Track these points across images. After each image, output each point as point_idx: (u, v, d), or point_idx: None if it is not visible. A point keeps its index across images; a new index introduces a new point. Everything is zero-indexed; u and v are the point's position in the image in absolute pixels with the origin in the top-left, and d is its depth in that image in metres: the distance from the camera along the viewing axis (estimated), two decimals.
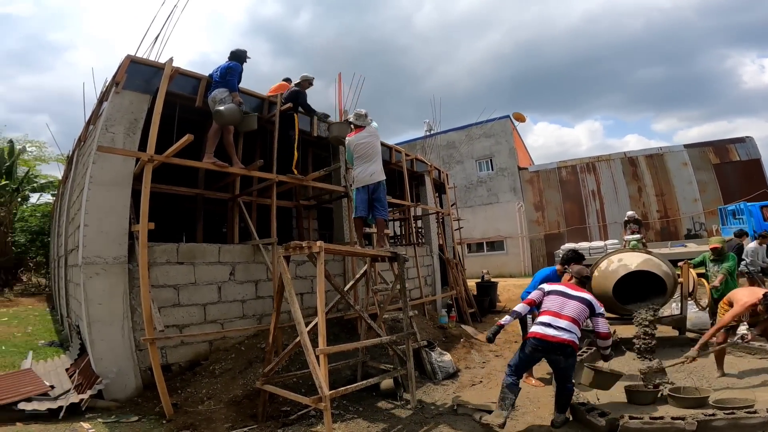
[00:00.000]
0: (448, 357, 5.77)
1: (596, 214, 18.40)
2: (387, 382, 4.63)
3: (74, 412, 3.86)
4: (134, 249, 4.51)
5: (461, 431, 3.78)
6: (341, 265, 6.80)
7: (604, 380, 3.99)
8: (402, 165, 8.92)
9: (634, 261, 5.89)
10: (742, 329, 4.63)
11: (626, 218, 11.03)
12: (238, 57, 5.57)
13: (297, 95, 6.15)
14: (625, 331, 6.08)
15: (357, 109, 5.48)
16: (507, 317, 3.76)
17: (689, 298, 6.23)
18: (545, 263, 16.68)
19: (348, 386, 3.85)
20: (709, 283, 6.30)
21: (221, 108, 5.09)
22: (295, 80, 6.50)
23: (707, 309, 6.43)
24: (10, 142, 16.15)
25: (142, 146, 4.66)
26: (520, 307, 3.78)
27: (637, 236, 10.07)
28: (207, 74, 5.56)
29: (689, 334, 6.08)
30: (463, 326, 8.62)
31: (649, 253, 6.33)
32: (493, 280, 12.55)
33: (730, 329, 4.63)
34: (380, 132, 5.49)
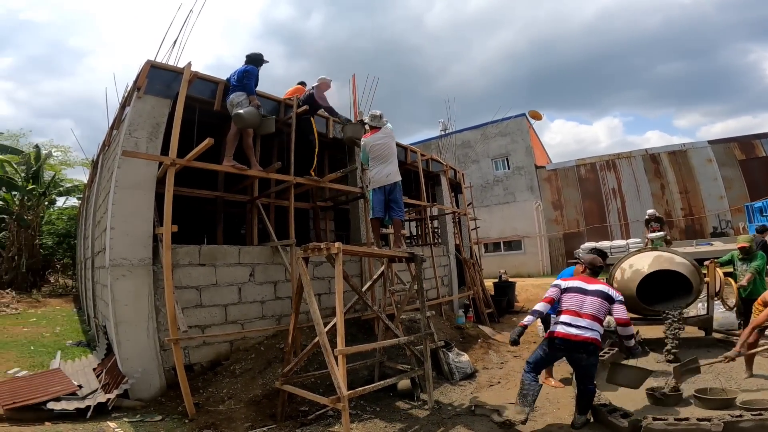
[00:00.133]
0: (465, 357, 5.74)
1: (617, 212, 18.03)
2: (404, 383, 4.64)
3: (101, 412, 3.93)
4: (158, 251, 4.62)
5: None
6: (358, 265, 6.83)
7: (634, 376, 3.85)
8: (417, 165, 8.91)
9: (656, 261, 5.76)
10: None
11: (647, 216, 10.78)
12: (255, 60, 5.64)
13: (313, 99, 6.20)
14: (648, 332, 5.96)
15: (372, 111, 5.51)
16: (529, 317, 3.69)
17: (716, 298, 6.06)
18: (564, 263, 16.43)
19: (366, 386, 3.87)
20: (736, 283, 6.11)
21: (241, 111, 5.17)
22: (311, 83, 6.55)
23: (734, 309, 6.25)
24: (36, 147, 16.67)
25: (164, 150, 4.77)
26: (541, 306, 3.70)
27: (661, 234, 9.80)
28: (224, 78, 5.65)
29: (716, 335, 5.92)
30: (480, 327, 8.55)
31: (673, 251, 6.19)
32: (510, 280, 12.41)
33: (764, 329, 4.49)
34: (395, 132, 5.50)
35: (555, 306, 3.80)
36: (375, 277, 5.28)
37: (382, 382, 4.14)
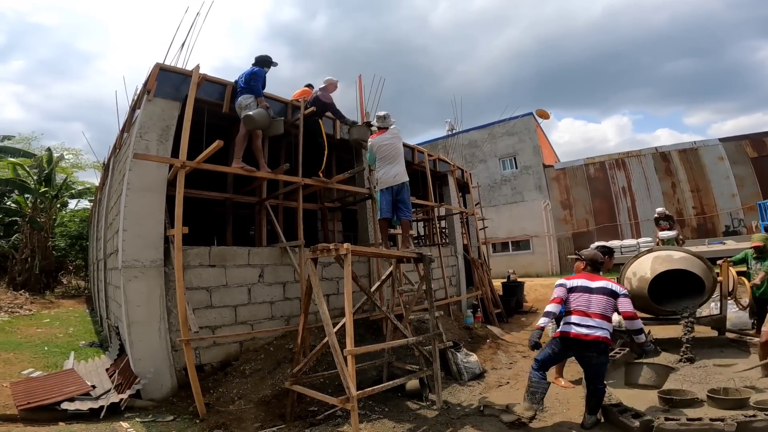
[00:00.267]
0: (474, 358, 5.73)
1: (627, 211, 17.84)
2: (413, 383, 4.64)
3: (114, 412, 3.98)
4: (169, 252, 4.67)
5: None
6: (366, 266, 6.84)
7: (654, 375, 3.74)
8: (425, 165, 8.91)
9: (668, 260, 5.70)
10: None
11: (656, 215, 10.62)
12: (262, 62, 5.68)
13: (319, 101, 6.22)
14: (660, 332, 5.89)
15: (378, 112, 5.52)
16: (543, 319, 3.66)
17: (729, 298, 5.98)
18: (573, 262, 16.27)
19: (374, 387, 3.87)
20: (750, 282, 6.03)
21: (251, 113, 5.20)
22: (318, 85, 6.58)
23: (748, 308, 6.16)
24: (48, 150, 16.93)
25: (174, 152, 4.83)
26: (553, 307, 3.68)
27: (673, 233, 9.60)
28: (231, 80, 5.69)
29: (729, 335, 5.84)
30: (489, 327, 8.52)
31: (685, 250, 6.11)
32: (519, 280, 12.35)
33: None
34: (401, 133, 5.51)
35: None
36: (384, 277, 5.29)
37: (390, 382, 4.14)
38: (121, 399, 4.03)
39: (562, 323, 3.72)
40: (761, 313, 5.40)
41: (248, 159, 5.59)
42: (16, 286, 12.38)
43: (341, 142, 7.13)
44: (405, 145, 7.13)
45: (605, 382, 3.65)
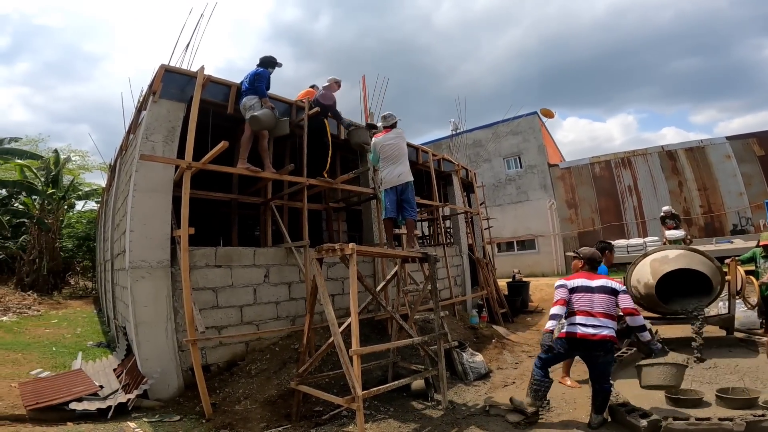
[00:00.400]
0: (479, 357, 5.71)
1: (633, 210, 17.73)
2: (418, 383, 4.63)
3: (121, 412, 4.00)
4: (176, 253, 4.69)
5: None
6: (371, 266, 6.85)
7: (670, 374, 3.59)
8: (429, 165, 8.90)
9: (675, 259, 5.65)
10: None
11: (662, 214, 10.50)
12: (266, 63, 5.69)
13: (318, 103, 6.22)
14: (668, 331, 5.85)
15: (383, 113, 5.54)
16: (551, 322, 3.65)
17: (737, 297, 5.93)
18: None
19: (380, 387, 3.87)
20: (758, 281, 5.97)
21: (257, 113, 5.22)
22: (322, 85, 6.59)
23: (756, 308, 6.10)
24: (55, 151, 17.10)
25: (180, 154, 4.85)
26: (559, 309, 3.67)
27: (681, 233, 9.45)
28: (236, 81, 5.71)
29: (737, 334, 5.78)
30: (494, 327, 8.49)
31: (693, 250, 6.06)
32: (524, 279, 12.31)
33: None
34: (405, 132, 5.51)
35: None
36: (389, 277, 5.29)
37: (396, 382, 4.14)
38: (129, 399, 4.05)
39: (567, 324, 3.71)
40: None
41: (253, 160, 5.61)
42: (24, 287, 12.50)
43: (345, 143, 7.14)
44: (409, 145, 7.14)
45: (611, 381, 3.64)
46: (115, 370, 5.05)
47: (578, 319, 3.60)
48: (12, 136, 14.94)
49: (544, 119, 20.42)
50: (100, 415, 3.93)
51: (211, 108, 5.50)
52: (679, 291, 5.62)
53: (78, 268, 16.33)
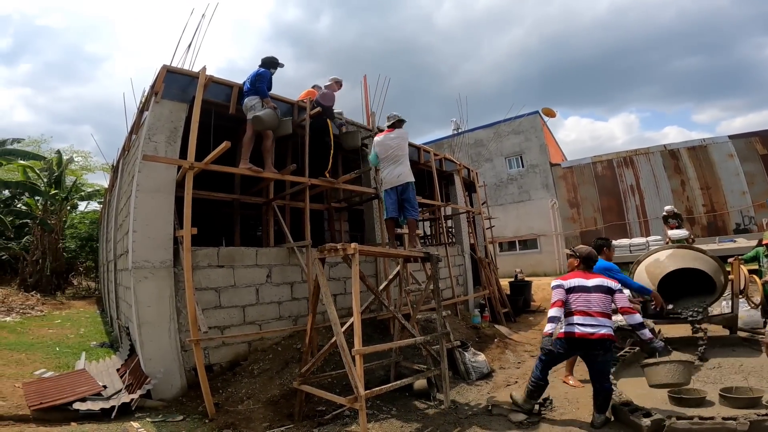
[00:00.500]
0: (482, 357, 5.71)
1: (636, 209, 17.69)
2: (420, 383, 4.63)
3: (125, 412, 4.00)
4: (178, 253, 4.70)
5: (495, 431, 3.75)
6: (373, 266, 6.85)
7: (680, 370, 3.55)
8: (431, 165, 8.89)
9: (679, 259, 5.64)
10: None
11: (665, 213, 10.47)
12: (267, 64, 5.70)
13: (318, 104, 6.23)
14: (671, 331, 5.84)
15: (389, 113, 5.55)
16: (550, 325, 3.70)
17: (740, 296, 5.91)
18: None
19: (382, 386, 3.87)
20: (761, 280, 5.95)
21: (260, 113, 5.23)
22: (325, 85, 6.60)
23: (760, 307, 6.08)
24: (58, 152, 17.18)
25: (182, 154, 4.86)
26: (556, 311, 3.70)
27: (684, 233, 9.40)
28: (237, 81, 5.72)
29: (741, 334, 5.77)
30: (496, 326, 8.49)
31: (688, 247, 6.05)
32: (526, 279, 12.29)
33: None
34: (408, 132, 5.51)
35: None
36: (391, 277, 5.29)
37: (398, 381, 4.14)
38: (132, 399, 4.06)
39: (565, 324, 3.75)
40: None
41: (254, 160, 5.62)
42: (28, 288, 12.55)
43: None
44: (411, 145, 7.14)
45: (611, 380, 3.67)
46: (118, 370, 5.06)
47: (576, 319, 3.63)
48: (14, 137, 15.06)
49: (546, 118, 20.39)
50: (103, 415, 3.94)
51: (213, 108, 5.51)
52: (682, 290, 5.60)
53: (81, 269, 16.37)
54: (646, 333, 3.65)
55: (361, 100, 7.78)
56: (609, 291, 3.70)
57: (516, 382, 5.23)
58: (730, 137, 16.61)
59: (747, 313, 6.31)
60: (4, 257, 14.75)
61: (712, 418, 3.16)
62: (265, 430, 3.85)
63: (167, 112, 5.00)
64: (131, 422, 3.80)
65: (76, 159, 18.85)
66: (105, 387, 4.42)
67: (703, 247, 7.18)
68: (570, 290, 3.75)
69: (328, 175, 6.21)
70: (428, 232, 14.35)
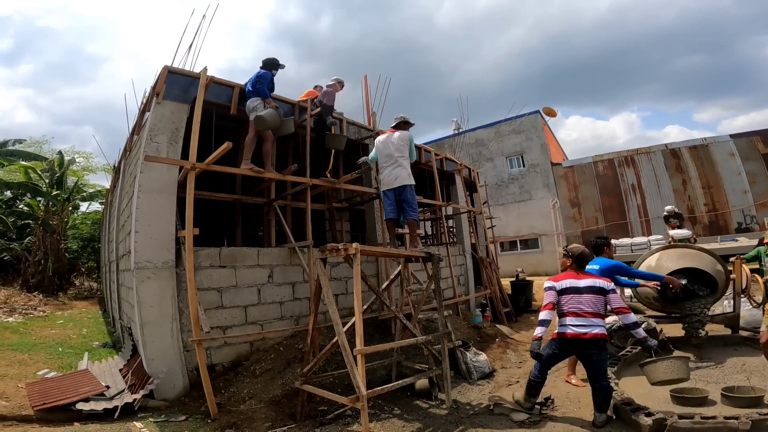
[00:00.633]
0: (483, 357, 5.71)
1: (637, 208, 17.68)
2: (422, 382, 4.64)
3: (128, 412, 4.02)
4: (180, 254, 4.71)
5: (497, 431, 3.76)
6: (374, 266, 6.85)
7: (675, 367, 3.58)
8: (432, 164, 8.90)
9: (680, 259, 5.64)
10: None
11: (666, 213, 10.45)
12: (268, 65, 5.72)
13: (321, 103, 6.23)
14: (672, 330, 5.84)
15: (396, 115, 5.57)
16: (540, 329, 3.73)
17: (742, 295, 5.91)
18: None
19: (384, 386, 3.88)
20: (763, 279, 5.95)
21: (262, 113, 5.24)
22: (327, 84, 6.60)
23: (761, 306, 6.07)
24: (60, 153, 17.20)
25: (184, 155, 4.87)
26: (547, 314, 3.74)
27: (687, 233, 9.37)
28: (239, 82, 5.72)
29: (742, 333, 5.76)
30: (498, 326, 8.49)
31: (698, 248, 6.04)
32: (528, 278, 12.29)
33: None
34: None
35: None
36: (392, 276, 5.29)
37: (400, 381, 4.14)
38: (135, 399, 4.07)
39: (558, 325, 3.78)
40: None
41: (256, 161, 5.63)
42: (30, 288, 12.60)
43: (348, 143, 7.15)
44: None
45: (613, 378, 3.67)
46: (121, 370, 5.08)
47: (568, 320, 3.67)
48: (16, 137, 15.07)
49: (547, 118, 20.39)
50: (106, 415, 3.95)
51: (214, 109, 5.51)
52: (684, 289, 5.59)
53: (83, 269, 16.41)
54: (640, 332, 3.69)
55: (362, 100, 7.79)
56: (601, 291, 3.72)
57: (517, 381, 5.23)
58: (732, 136, 16.59)
59: (749, 312, 6.31)
60: (6, 258, 14.79)
61: (714, 417, 3.16)
62: (267, 429, 3.86)
63: (169, 112, 5.01)
64: (134, 422, 3.82)
65: (77, 160, 18.86)
66: (108, 387, 4.43)
67: (705, 246, 7.17)
68: (562, 292, 3.78)
69: (329, 175, 6.22)
70: (429, 232, 14.36)
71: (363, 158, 6.00)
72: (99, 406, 4.00)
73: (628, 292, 7.53)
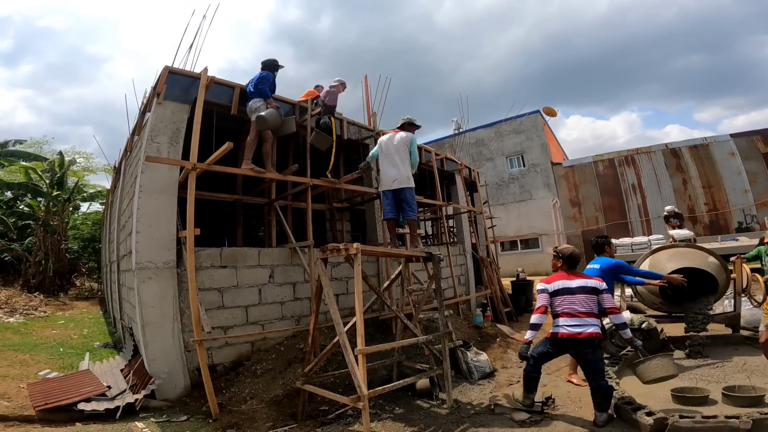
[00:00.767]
0: (484, 356, 5.71)
1: (638, 208, 17.68)
2: (423, 382, 4.64)
3: (129, 412, 4.02)
4: (181, 254, 4.71)
5: (498, 430, 3.76)
6: (375, 266, 6.86)
7: (665, 363, 3.70)
8: (432, 164, 8.90)
9: (681, 258, 5.64)
10: None
11: (666, 213, 10.44)
12: (269, 66, 5.74)
13: (324, 103, 6.23)
14: (673, 330, 5.84)
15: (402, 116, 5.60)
16: (531, 332, 3.78)
17: (743, 295, 5.91)
18: (584, 260, 16.17)
19: (385, 386, 3.88)
20: (763, 278, 5.95)
21: (263, 113, 5.25)
22: (326, 86, 6.61)
23: (762, 305, 6.08)
24: (60, 153, 17.21)
25: (185, 155, 4.88)
26: (538, 318, 3.77)
27: (688, 233, 9.35)
28: (239, 82, 5.73)
29: (743, 332, 5.77)
30: (498, 325, 8.49)
31: (701, 249, 6.05)
32: (528, 278, 12.28)
33: None
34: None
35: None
36: (393, 276, 5.30)
37: (401, 381, 4.14)
38: (136, 399, 4.07)
39: (552, 325, 3.81)
40: None
41: (256, 161, 5.64)
42: (31, 288, 12.60)
43: (349, 143, 7.16)
44: None
45: (611, 378, 3.69)
46: (122, 370, 5.08)
47: (562, 321, 3.69)
48: (16, 138, 15.07)
49: (547, 118, 20.40)
50: (108, 416, 3.95)
51: (214, 109, 5.52)
52: (685, 289, 5.60)
53: (84, 270, 16.42)
54: (627, 332, 3.74)
55: (362, 100, 7.80)
56: (594, 291, 3.74)
57: (518, 381, 5.22)
58: (732, 136, 16.59)
59: (750, 311, 6.31)
60: (7, 258, 14.80)
61: (714, 416, 3.16)
62: (268, 429, 3.86)
63: (169, 113, 5.01)
64: (135, 422, 3.81)
65: (78, 160, 18.87)
66: (109, 387, 4.43)
67: (705, 245, 7.17)
68: (554, 293, 3.80)
69: (329, 175, 6.22)
70: (430, 232, 14.36)
71: (364, 162, 6.00)
72: (101, 406, 4.00)
73: (628, 291, 7.52)
